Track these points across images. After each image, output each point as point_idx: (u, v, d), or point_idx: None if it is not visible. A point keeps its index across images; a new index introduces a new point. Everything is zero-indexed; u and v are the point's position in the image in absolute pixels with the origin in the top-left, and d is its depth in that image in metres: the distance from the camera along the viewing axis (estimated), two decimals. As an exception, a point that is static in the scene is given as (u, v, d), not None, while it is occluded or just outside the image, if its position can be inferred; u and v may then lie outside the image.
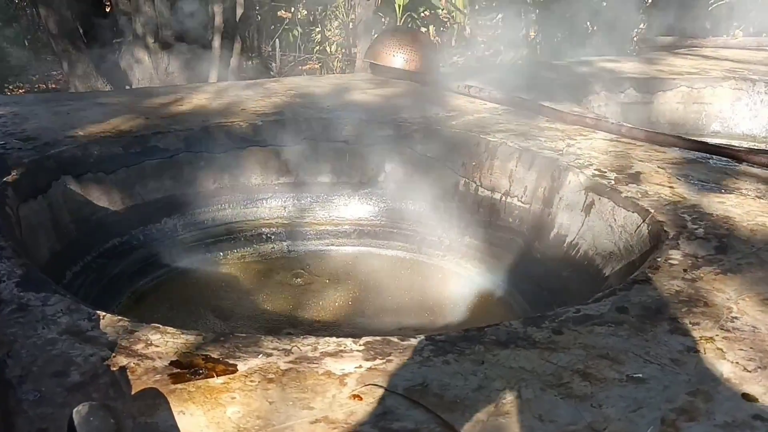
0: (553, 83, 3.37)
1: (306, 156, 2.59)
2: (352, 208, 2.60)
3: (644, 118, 3.53)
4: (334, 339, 1.23)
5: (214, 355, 1.18)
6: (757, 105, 3.46)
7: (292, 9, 9.35)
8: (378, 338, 1.24)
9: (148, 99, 2.84)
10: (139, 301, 2.16)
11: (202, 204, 2.47)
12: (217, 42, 4.78)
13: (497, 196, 2.39)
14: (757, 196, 1.96)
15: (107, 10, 5.23)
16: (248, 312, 2.14)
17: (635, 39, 6.07)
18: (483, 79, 3.44)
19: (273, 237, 2.54)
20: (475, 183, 2.45)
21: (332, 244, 2.56)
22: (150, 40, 4.50)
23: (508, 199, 2.37)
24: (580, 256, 2.07)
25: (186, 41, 4.69)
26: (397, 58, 3.13)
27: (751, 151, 2.33)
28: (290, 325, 2.07)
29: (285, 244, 2.54)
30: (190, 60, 4.73)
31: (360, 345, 1.22)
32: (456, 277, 2.38)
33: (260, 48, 6.82)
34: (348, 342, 1.23)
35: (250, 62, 6.72)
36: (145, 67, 4.58)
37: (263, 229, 2.54)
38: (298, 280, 2.35)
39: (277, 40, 6.48)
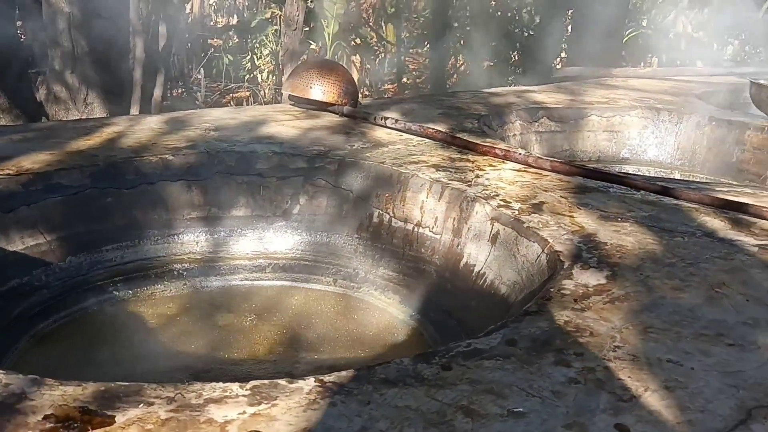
0: (470, 113, 3.45)
1: (219, 190, 2.56)
2: (267, 241, 2.58)
3: (558, 147, 3.65)
4: (220, 384, 1.21)
5: (92, 407, 1.14)
6: (662, 133, 3.63)
7: (223, 36, 9.31)
8: (266, 381, 1.23)
9: (58, 133, 2.76)
10: (39, 345, 2.07)
11: (110, 241, 2.40)
12: (138, 73, 4.71)
13: (410, 227, 2.42)
14: (650, 225, 2.04)
15: (22, 39, 5.09)
16: (154, 354, 2.08)
17: (554, 68, 6.29)
18: (403, 109, 3.50)
19: (185, 273, 2.49)
20: (389, 214, 2.48)
21: (246, 279, 2.53)
22: (67, 72, 4.39)
23: (420, 230, 2.40)
24: (487, 285, 2.11)
25: (106, 72, 4.60)
26: (315, 89, 3.15)
27: (647, 179, 2.43)
28: (199, 367, 2.02)
29: (197, 280, 2.49)
30: (111, 92, 4.64)
31: (246, 389, 1.20)
32: (370, 309, 2.39)
33: (186, 78, 6.76)
34: (234, 387, 1.21)
35: (174, 93, 6.65)
36: (62, 100, 4.46)
37: (175, 266, 2.49)
38: (210, 317, 2.31)
39: (202, 69, 6.41)
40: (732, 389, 1.24)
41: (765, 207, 2.11)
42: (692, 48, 7.42)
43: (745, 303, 1.57)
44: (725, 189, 2.38)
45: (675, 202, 2.23)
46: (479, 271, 2.16)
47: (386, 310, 2.38)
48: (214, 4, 10.43)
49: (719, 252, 1.85)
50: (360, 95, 7.92)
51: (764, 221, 2.08)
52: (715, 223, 2.06)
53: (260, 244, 2.59)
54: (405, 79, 8.79)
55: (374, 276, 2.47)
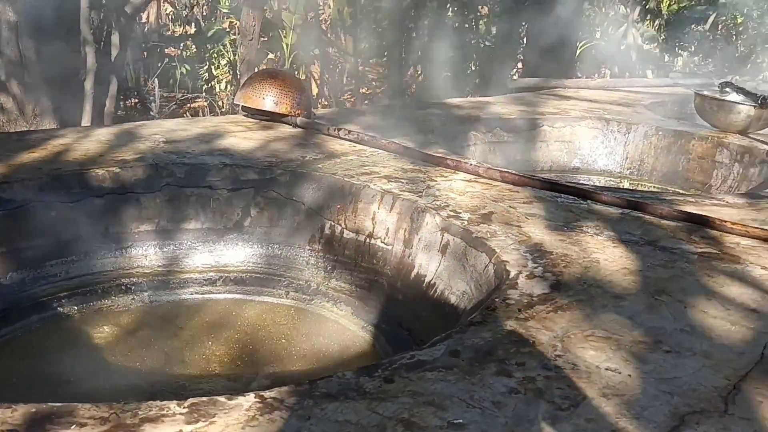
0: (425, 123, 3.47)
1: (168, 203, 2.52)
2: (218, 254, 2.55)
3: (512, 157, 3.70)
4: (157, 402, 1.19)
5: (22, 430, 1.10)
6: (611, 143, 3.71)
7: (181, 46, 9.20)
8: (204, 399, 1.21)
9: (1, 145, 2.69)
10: (-23, 365, 2.00)
11: (54, 256, 2.34)
12: (89, 83, 4.61)
13: (362, 238, 2.42)
14: (595, 233, 2.08)
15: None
16: (98, 372, 2.03)
17: (511, 79, 6.38)
18: (359, 120, 3.50)
19: (133, 288, 2.44)
20: (341, 226, 2.47)
21: (197, 293, 2.49)
22: (14, 82, 4.27)
23: (372, 241, 2.40)
24: (438, 295, 2.12)
25: (55, 83, 4.49)
26: (268, 100, 3.13)
27: (594, 189, 2.48)
28: (144, 384, 1.98)
29: (146, 294, 2.45)
30: (62, 103, 4.53)
31: (184, 407, 1.18)
32: (323, 322, 2.37)
33: (140, 88, 6.66)
34: (172, 405, 1.19)
35: (129, 104, 6.54)
36: (8, 111, 4.34)
37: (123, 280, 2.44)
38: (159, 332, 2.27)
39: (156, 80, 6.32)
40: (667, 396, 1.26)
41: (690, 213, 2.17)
42: (643, 59, 7.62)
43: (683, 310, 1.61)
44: (669, 198, 2.44)
45: (620, 211, 2.27)
46: (430, 281, 2.17)
47: (338, 322, 2.37)
48: (171, 13, 10.32)
49: (660, 260, 1.89)
50: (319, 106, 7.90)
51: (708, 230, 2.14)
52: (658, 231, 2.11)
53: (211, 257, 2.56)
54: (364, 90, 8.82)
55: (326, 288, 2.46)
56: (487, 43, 7.68)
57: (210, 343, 2.20)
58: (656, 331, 1.50)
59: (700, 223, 2.14)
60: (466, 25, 8.15)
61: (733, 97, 3.55)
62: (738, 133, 3.49)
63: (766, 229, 2.08)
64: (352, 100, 8.26)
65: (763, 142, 3.36)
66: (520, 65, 8.11)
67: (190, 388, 1.93)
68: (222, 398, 1.21)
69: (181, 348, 2.17)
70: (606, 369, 1.35)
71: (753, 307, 1.63)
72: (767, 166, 3.16)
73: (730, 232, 2.09)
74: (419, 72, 8.11)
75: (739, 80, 4.10)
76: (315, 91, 7.65)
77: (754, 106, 3.45)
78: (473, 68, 7.66)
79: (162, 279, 2.50)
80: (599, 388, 1.28)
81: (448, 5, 7.70)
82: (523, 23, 7.51)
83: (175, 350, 2.15)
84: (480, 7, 7.90)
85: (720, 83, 3.70)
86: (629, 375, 1.33)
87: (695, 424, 1.18)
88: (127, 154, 2.65)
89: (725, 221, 2.13)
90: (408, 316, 2.20)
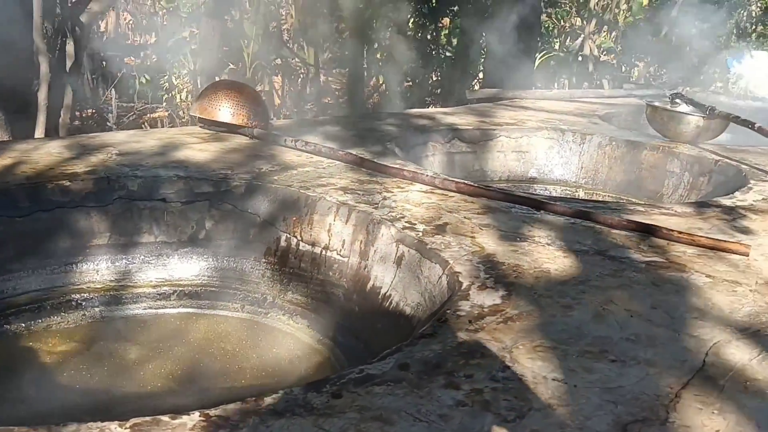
0: (383, 134, 3.48)
1: (120, 216, 2.48)
2: (172, 268, 2.51)
3: (470, 167, 3.74)
4: (98, 423, 1.16)
5: (-47, 456, 1.07)
6: (567, 153, 3.77)
7: (141, 56, 9.08)
8: (147, 418, 1.19)
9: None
10: None
11: (1, 272, 2.28)
12: (43, 94, 4.51)
13: (318, 250, 2.41)
14: (546, 243, 2.11)
15: None
16: (45, 392, 1.98)
17: (471, 90, 6.45)
18: (317, 131, 3.50)
19: (84, 304, 2.39)
20: (297, 238, 2.46)
21: (150, 308, 2.45)
22: (-38, 92, 4.17)
23: (328, 253, 2.39)
24: (393, 307, 2.12)
25: (8, 93, 4.39)
26: (224, 111, 3.11)
27: (547, 199, 2.52)
28: (93, 404, 1.93)
29: (98, 310, 2.40)
30: (13, 114, 4.42)
31: (126, 428, 1.16)
32: (278, 335, 2.36)
33: (97, 99, 6.54)
34: (113, 426, 1.16)
35: (85, 114, 6.42)
36: (-43, 122, 4.22)
37: (73, 296, 2.39)
38: (111, 349, 2.22)
39: (114, 90, 6.22)
40: (611, 405, 1.28)
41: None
42: (600, 70, 7.78)
43: (629, 319, 1.64)
44: (619, 208, 2.49)
45: (571, 221, 2.31)
46: (385, 293, 2.17)
47: (294, 335, 2.35)
48: (130, 22, 10.18)
49: (609, 269, 1.93)
50: (282, 116, 7.86)
51: (656, 239, 2.18)
52: (608, 241, 2.15)
53: (165, 271, 2.52)
54: (327, 100, 8.82)
55: (282, 301, 2.44)
56: (448, 54, 7.75)
57: (161, 359, 2.16)
58: (602, 341, 1.53)
59: (649, 232, 2.19)
60: (428, 36, 8.22)
61: (683, 108, 3.64)
62: (688, 143, 3.58)
63: (711, 238, 2.13)
64: (314, 110, 8.25)
65: (711, 151, 3.45)
66: (481, 75, 8.21)
67: (137, 406, 1.90)
68: (165, 417, 1.19)
69: (131, 364, 2.13)
70: (552, 379, 1.36)
71: (696, 315, 1.67)
72: (715, 175, 3.25)
73: (677, 241, 2.14)
74: (381, 82, 8.15)
75: (690, 91, 4.21)
76: (277, 101, 7.63)
77: (703, 117, 3.55)
78: (434, 79, 7.73)
79: (114, 294, 2.45)
80: (545, 399, 1.29)
81: (410, 16, 7.75)
82: (483, 34, 7.61)
83: (125, 367, 2.11)
84: (441, 18, 7.98)
85: (670, 94, 3.79)
86: (575, 385, 1.34)
87: (637, 433, 1.20)
88: (78, 167, 2.60)
89: (672, 230, 2.18)
90: (364, 328, 2.19)
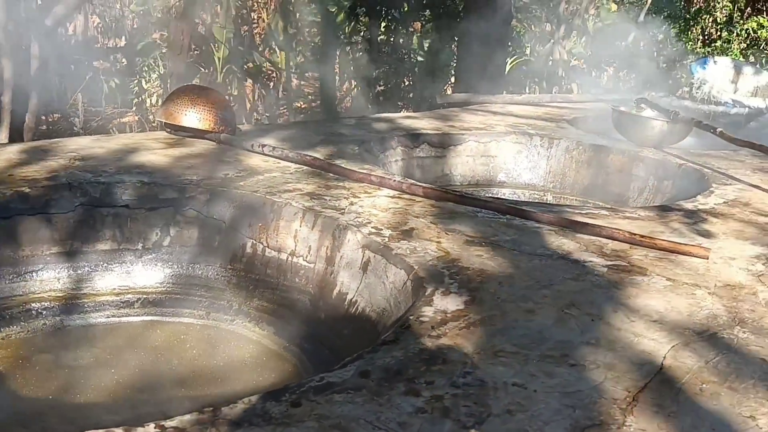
0: (352, 139, 3.48)
1: (82, 223, 2.43)
2: (136, 275, 2.47)
3: (438, 172, 3.75)
4: (48, 437, 1.14)
5: None
6: (535, 157, 3.80)
7: (110, 59, 8.95)
8: (101, 431, 1.16)
9: None
10: None
11: (-43, 281, 2.23)
12: (7, 97, 4.43)
13: (284, 256, 2.40)
14: (511, 248, 2.12)
15: None
16: (5, 402, 1.94)
17: (443, 94, 6.48)
18: (286, 135, 3.48)
19: (44, 312, 2.34)
20: (263, 244, 2.44)
21: (113, 316, 2.41)
22: None
23: (294, 259, 2.38)
24: (359, 313, 2.11)
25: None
26: (190, 116, 3.08)
27: (514, 204, 2.53)
28: (52, 413, 1.89)
29: (59, 319, 2.35)
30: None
31: (77, 441, 1.13)
32: (244, 342, 2.33)
33: (64, 103, 6.43)
34: (65, 439, 1.14)
35: (51, 118, 6.31)
36: None
37: (33, 305, 2.34)
38: (71, 358, 2.18)
39: (80, 94, 6.13)
40: (569, 409, 1.29)
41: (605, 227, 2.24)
42: (571, 75, 7.87)
43: (590, 323, 1.65)
44: (584, 212, 2.51)
45: (537, 225, 2.32)
46: (351, 298, 2.17)
47: (260, 342, 2.33)
48: (99, 25, 10.04)
49: (572, 273, 1.94)
50: (253, 121, 7.81)
51: (620, 243, 2.21)
52: (571, 245, 2.17)
53: (128, 278, 2.48)
54: (300, 104, 8.79)
55: (248, 308, 2.42)
56: (420, 59, 7.77)
57: (123, 368, 2.13)
58: (563, 345, 1.54)
59: (612, 236, 2.21)
60: (401, 40, 8.24)
61: (648, 112, 3.70)
62: (653, 147, 3.64)
63: (672, 241, 2.16)
64: (286, 115, 8.21)
65: (675, 155, 3.51)
66: (453, 80, 8.25)
67: (96, 417, 1.86)
68: (119, 430, 1.17)
69: (92, 374, 2.09)
70: (513, 384, 1.37)
71: (655, 319, 1.69)
72: (679, 178, 3.30)
73: (639, 245, 2.17)
74: (353, 86, 8.15)
75: (655, 96, 4.27)
76: (248, 106, 7.58)
77: (667, 122, 3.61)
78: (406, 83, 7.74)
79: (76, 302, 2.40)
80: (505, 404, 1.30)
81: (382, 20, 7.76)
82: (455, 39, 7.65)
83: (85, 377, 2.07)
84: (412, 22, 8.01)
85: (635, 99, 3.84)
86: (534, 390, 1.35)
87: (594, 437, 1.21)
88: (38, 173, 2.55)
89: (635, 234, 2.20)
90: (330, 334, 2.18)
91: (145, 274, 2.49)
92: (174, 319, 2.44)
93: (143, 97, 7.82)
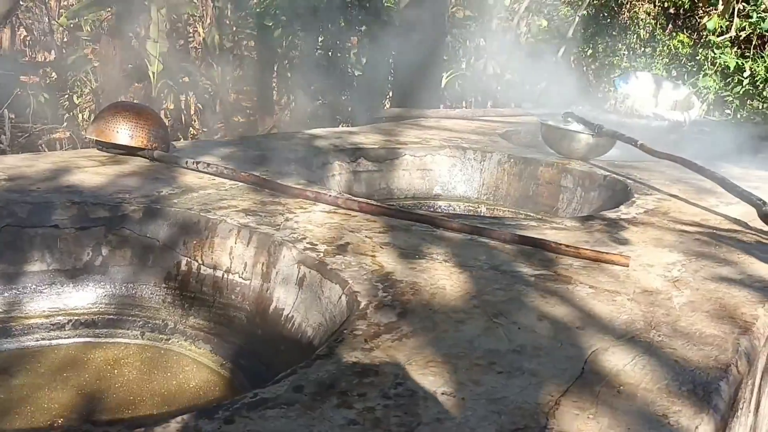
0: (289, 154, 3.49)
1: (8, 244, 2.37)
2: (66, 297, 2.42)
3: (376, 185, 3.80)
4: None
5: None
6: (469, 170, 3.90)
7: (40, 72, 8.69)
8: (27, 457, 1.15)
9: None
10: None
11: None
12: (-75, 114, 4.26)
13: (219, 273, 2.39)
14: (444, 260, 2.18)
15: None
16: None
17: (381, 109, 6.57)
18: (221, 152, 3.47)
19: (-32, 338, 2.26)
20: (198, 262, 2.43)
21: (43, 339, 2.35)
22: None
23: (230, 276, 2.37)
24: (295, 328, 2.13)
25: None
26: (122, 133, 3.03)
27: (445, 216, 2.60)
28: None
29: (-17, 344, 2.28)
30: None
31: (3, 469, 1.12)
32: (181, 361, 2.31)
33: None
34: (-11, 467, 1.12)
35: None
36: None
37: (-44, 330, 2.26)
38: (3, 383, 2.11)
39: (6, 110, 5.93)
40: (495, 416, 1.34)
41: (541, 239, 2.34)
42: (506, 89, 8.10)
43: (517, 331, 1.72)
44: (513, 222, 2.60)
45: (469, 237, 2.40)
46: (288, 314, 2.18)
47: (197, 361, 2.31)
48: (27, 38, 9.74)
49: (502, 283, 2.01)
50: (190, 136, 7.71)
51: (546, 252, 2.30)
52: (502, 255, 2.25)
53: (59, 299, 2.42)
54: (237, 118, 8.73)
55: (184, 326, 2.40)
56: (357, 73, 7.86)
57: (54, 391, 2.08)
58: (491, 353, 1.60)
59: (539, 246, 2.30)
60: (339, 54, 8.31)
61: (574, 126, 3.86)
62: (580, 159, 3.79)
63: (595, 250, 2.27)
64: (224, 129, 8.15)
65: (601, 167, 3.67)
66: (390, 94, 8.36)
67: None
68: (47, 455, 1.16)
69: (17, 400, 2.03)
70: (442, 393, 1.42)
71: (578, 325, 1.77)
72: (604, 189, 3.45)
73: (564, 254, 2.27)
74: (291, 101, 8.15)
75: (582, 110, 4.45)
76: (184, 121, 7.49)
77: (592, 135, 3.77)
78: (344, 97, 7.80)
79: (2, 326, 2.33)
80: (434, 413, 1.34)
81: (318, 35, 7.81)
82: (392, 53, 7.77)
83: (11, 402, 2.01)
84: (349, 37, 8.09)
85: (563, 114, 4.00)
86: (463, 398, 1.40)
87: (518, 441, 1.27)
88: (-39, 194, 2.47)
89: (561, 244, 2.30)
90: (267, 351, 2.19)
91: (77, 295, 2.44)
92: (107, 340, 2.39)
93: (74, 112, 7.63)
